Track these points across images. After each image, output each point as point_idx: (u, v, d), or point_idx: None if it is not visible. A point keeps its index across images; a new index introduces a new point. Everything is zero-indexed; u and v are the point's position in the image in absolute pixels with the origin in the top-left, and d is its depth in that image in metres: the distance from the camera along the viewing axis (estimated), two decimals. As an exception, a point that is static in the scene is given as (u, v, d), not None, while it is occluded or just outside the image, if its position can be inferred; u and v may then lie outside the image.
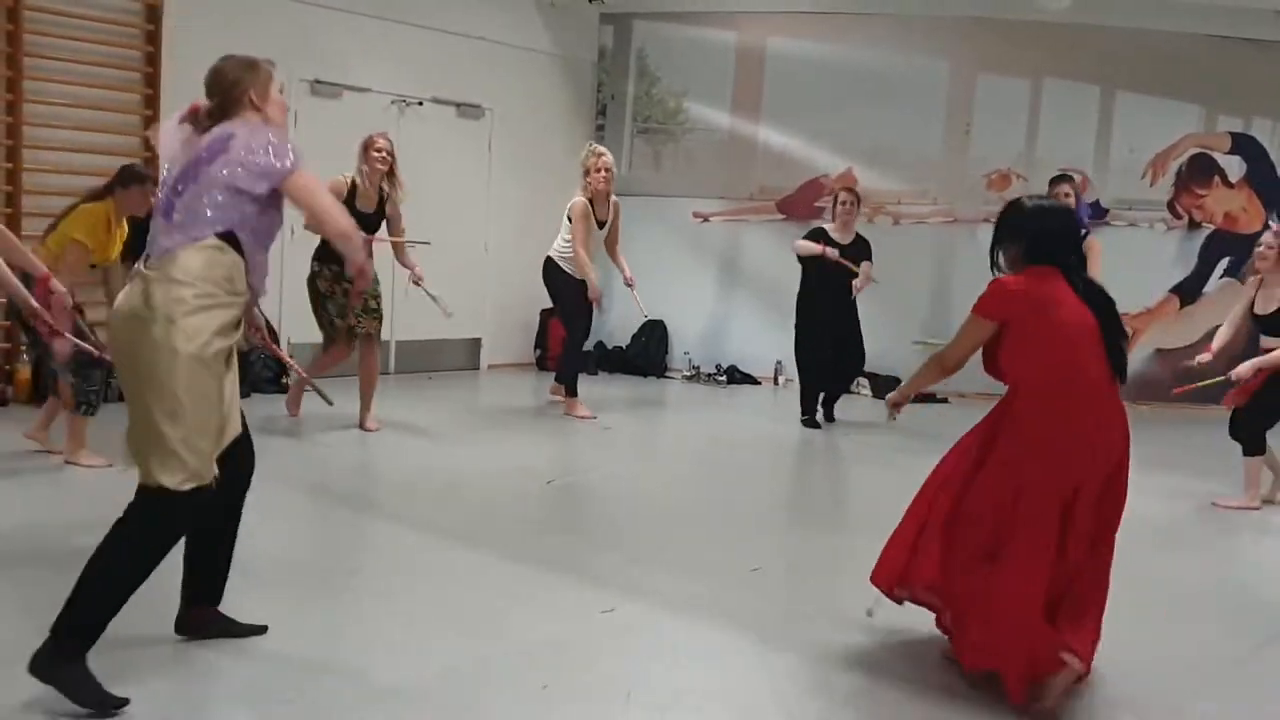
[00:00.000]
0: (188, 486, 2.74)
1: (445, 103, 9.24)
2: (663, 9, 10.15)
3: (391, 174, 6.56)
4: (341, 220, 3.00)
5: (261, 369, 7.70)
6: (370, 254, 6.38)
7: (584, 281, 7.37)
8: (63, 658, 2.68)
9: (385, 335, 8.75)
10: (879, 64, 9.51)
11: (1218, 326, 6.04)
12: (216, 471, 2.83)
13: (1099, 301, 3.16)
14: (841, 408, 8.07)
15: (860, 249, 7.65)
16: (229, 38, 7.21)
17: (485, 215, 9.57)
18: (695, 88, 10.08)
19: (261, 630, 3.24)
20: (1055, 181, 6.79)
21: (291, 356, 6.00)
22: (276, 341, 5.82)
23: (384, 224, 6.64)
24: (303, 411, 6.73)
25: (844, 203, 7.63)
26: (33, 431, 5.55)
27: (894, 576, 3.32)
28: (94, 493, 4.89)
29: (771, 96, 9.88)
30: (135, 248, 6.11)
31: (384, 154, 6.47)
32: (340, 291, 6.41)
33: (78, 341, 4.64)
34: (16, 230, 6.87)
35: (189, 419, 2.73)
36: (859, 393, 8.96)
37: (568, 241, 7.38)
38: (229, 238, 2.84)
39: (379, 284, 6.57)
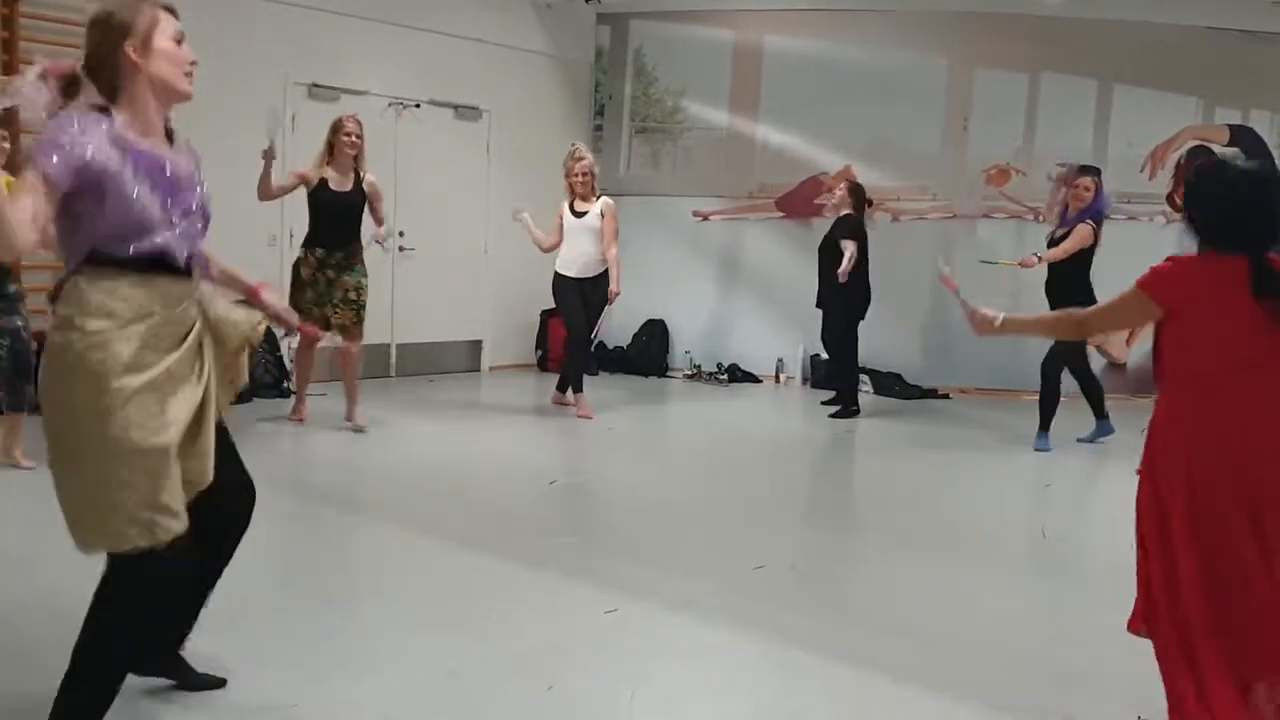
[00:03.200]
0: (127, 548, 2.35)
1: (443, 105, 9.24)
2: (659, 8, 10.14)
3: (359, 157, 6.53)
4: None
5: (262, 374, 7.69)
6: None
7: (572, 279, 7.43)
8: None
9: (386, 339, 8.80)
10: (876, 60, 9.51)
11: None
12: (182, 523, 2.41)
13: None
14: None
15: (841, 227, 7.89)
16: (226, 42, 7.28)
17: (484, 217, 9.57)
18: (693, 87, 10.08)
19: (220, 683, 2.92)
20: (1082, 171, 6.91)
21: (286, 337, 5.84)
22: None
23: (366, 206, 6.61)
24: (308, 416, 6.74)
25: (833, 189, 8.14)
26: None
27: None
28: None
29: (769, 94, 9.88)
30: None
31: (354, 137, 6.46)
32: (323, 280, 6.42)
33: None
34: (16, 237, 6.89)
35: (113, 481, 2.32)
36: (861, 390, 8.94)
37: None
38: (99, 255, 2.36)
39: (365, 276, 6.57)
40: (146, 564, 2.38)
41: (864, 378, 8.99)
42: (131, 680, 2.64)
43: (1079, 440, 6.94)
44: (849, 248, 7.68)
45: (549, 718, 2.90)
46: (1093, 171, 6.93)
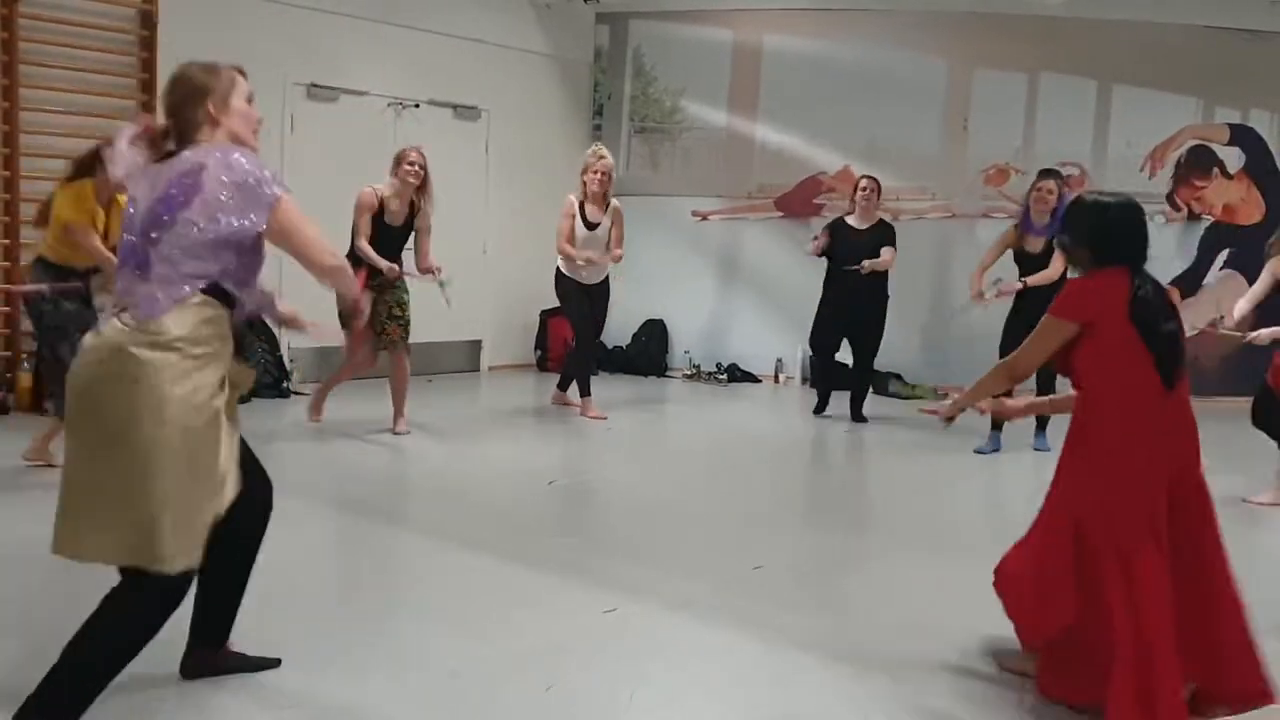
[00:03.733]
0: (177, 569, 2.48)
1: (442, 105, 9.24)
2: (658, 8, 10.14)
3: (423, 188, 6.51)
4: (328, 255, 2.66)
5: (262, 374, 7.69)
6: (401, 271, 6.44)
7: (579, 285, 7.38)
8: None
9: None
10: (875, 60, 9.51)
11: (1219, 318, 6.00)
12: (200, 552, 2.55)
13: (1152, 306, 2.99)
14: (838, 403, 8.05)
15: (880, 234, 7.66)
16: (224, 43, 7.24)
17: (484, 217, 9.57)
18: (692, 86, 10.07)
19: (275, 663, 3.06)
20: (1041, 175, 6.77)
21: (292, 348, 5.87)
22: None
23: (411, 236, 6.60)
24: (324, 416, 6.77)
25: (863, 189, 7.68)
26: (32, 451, 5.35)
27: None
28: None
29: (768, 94, 9.88)
30: None
31: (416, 168, 6.44)
32: (369, 299, 6.40)
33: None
34: (14, 238, 6.90)
35: (182, 497, 2.46)
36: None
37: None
38: (214, 290, 2.56)
39: (407, 291, 6.58)
40: (177, 583, 2.53)
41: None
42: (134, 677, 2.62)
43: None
44: (888, 254, 7.53)
45: (549, 718, 2.89)
46: (1054, 175, 6.78)
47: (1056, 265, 6.34)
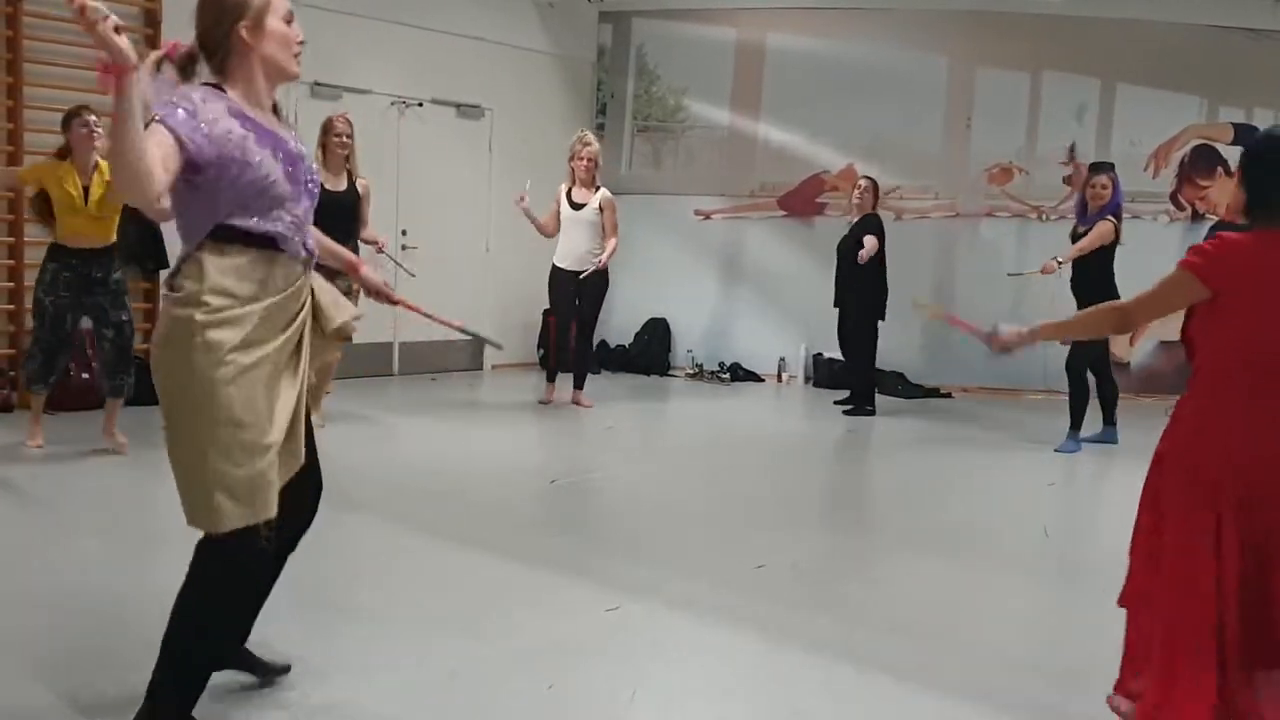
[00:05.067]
0: (230, 527, 2.40)
1: (445, 103, 9.24)
2: (661, 6, 10.14)
3: (351, 156, 6.49)
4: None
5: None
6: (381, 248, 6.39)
7: (563, 271, 7.53)
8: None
9: (389, 337, 8.80)
10: (878, 59, 9.50)
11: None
12: (274, 508, 2.45)
13: None
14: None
15: (863, 226, 7.87)
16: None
17: (486, 216, 9.57)
18: (695, 85, 10.08)
19: (286, 669, 3.00)
20: (1093, 170, 6.91)
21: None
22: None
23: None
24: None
25: (858, 187, 8.02)
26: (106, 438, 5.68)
27: None
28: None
29: (771, 93, 9.88)
30: (139, 250, 6.16)
31: (344, 137, 6.42)
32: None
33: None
34: (19, 235, 6.90)
35: (219, 453, 2.37)
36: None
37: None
38: (223, 231, 2.39)
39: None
40: (238, 545, 2.43)
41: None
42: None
43: (1082, 439, 6.92)
44: (870, 240, 7.69)
45: (549, 717, 2.89)
46: (1106, 168, 6.92)
47: (1092, 237, 6.58)
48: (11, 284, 6.95)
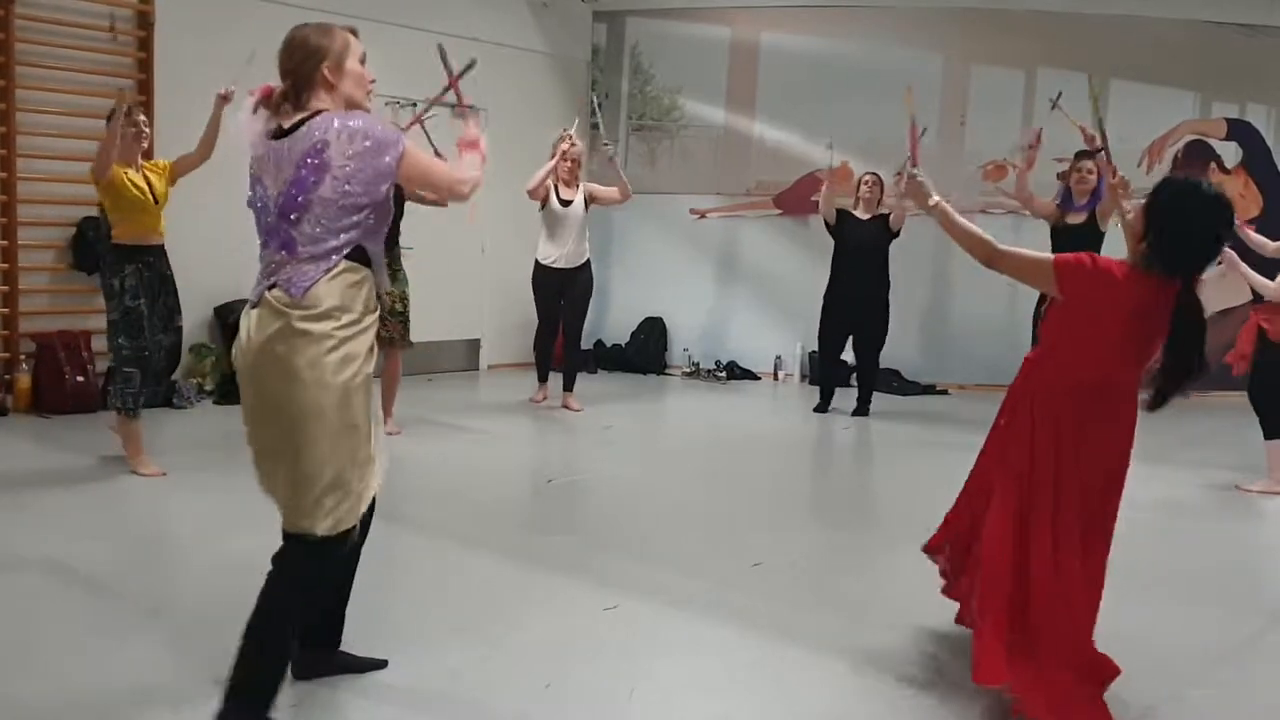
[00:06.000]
0: (344, 528, 2.59)
1: (440, 103, 9.22)
2: (656, 6, 10.14)
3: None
4: (458, 184, 2.82)
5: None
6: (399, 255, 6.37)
7: (553, 271, 7.54)
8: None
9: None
10: (872, 57, 9.50)
11: (1221, 312, 5.99)
12: (366, 505, 2.67)
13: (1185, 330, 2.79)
14: (841, 399, 8.05)
15: (882, 221, 7.89)
16: (221, 44, 7.25)
17: (482, 216, 9.55)
18: (689, 84, 10.07)
19: (382, 664, 3.11)
20: (1079, 157, 6.89)
21: None
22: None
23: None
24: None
25: (867, 183, 8.01)
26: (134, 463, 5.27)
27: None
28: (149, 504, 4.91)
29: (766, 91, 9.88)
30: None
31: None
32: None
33: None
34: (13, 238, 6.89)
35: (340, 460, 2.56)
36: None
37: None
38: (357, 253, 2.63)
39: (407, 285, 6.58)
40: (336, 546, 2.62)
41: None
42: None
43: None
44: (898, 210, 7.69)
45: (548, 715, 2.89)
46: (1092, 156, 6.92)
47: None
48: (6, 288, 6.92)
